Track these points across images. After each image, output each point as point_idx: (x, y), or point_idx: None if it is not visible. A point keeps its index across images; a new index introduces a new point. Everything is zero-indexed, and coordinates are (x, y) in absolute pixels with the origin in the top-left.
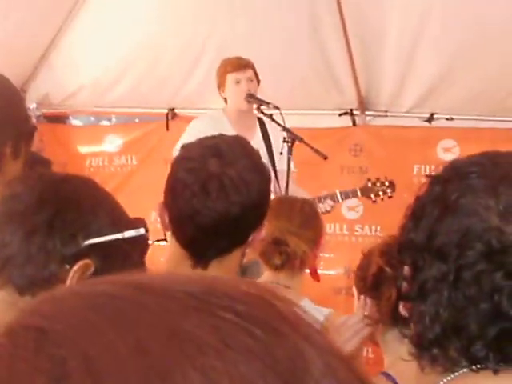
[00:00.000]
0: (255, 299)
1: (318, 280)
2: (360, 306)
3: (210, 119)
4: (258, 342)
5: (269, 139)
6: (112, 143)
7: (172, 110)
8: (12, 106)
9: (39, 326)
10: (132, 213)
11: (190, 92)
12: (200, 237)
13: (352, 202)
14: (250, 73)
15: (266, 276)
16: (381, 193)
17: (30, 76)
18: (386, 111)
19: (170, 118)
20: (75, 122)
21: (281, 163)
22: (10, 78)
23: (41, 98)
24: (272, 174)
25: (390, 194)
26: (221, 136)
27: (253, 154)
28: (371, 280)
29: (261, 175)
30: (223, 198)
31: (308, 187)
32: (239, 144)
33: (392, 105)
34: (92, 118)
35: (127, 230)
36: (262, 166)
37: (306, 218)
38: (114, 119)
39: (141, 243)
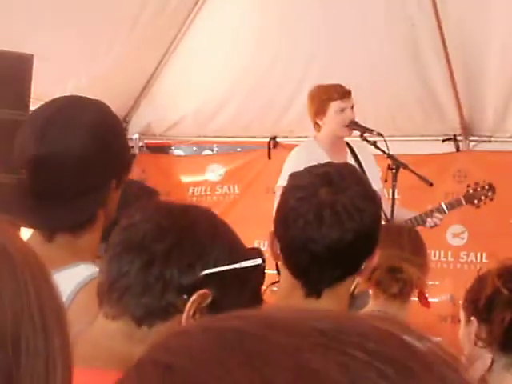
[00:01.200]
0: (386, 336)
1: (429, 306)
2: (470, 328)
3: (305, 149)
4: (389, 381)
5: (361, 164)
6: (214, 172)
7: (274, 138)
8: (118, 136)
9: (166, 361)
10: None
11: (291, 120)
12: (314, 265)
13: (456, 228)
14: (352, 101)
15: (374, 305)
16: (483, 197)
17: (133, 107)
18: (490, 136)
19: (271, 146)
20: (178, 151)
21: (374, 184)
22: (113, 109)
23: (143, 129)
24: None
25: (491, 197)
26: (329, 164)
27: (363, 181)
28: (484, 302)
29: (372, 202)
30: (337, 225)
31: None
32: (349, 171)
33: (496, 130)
34: (194, 148)
35: (244, 260)
36: (373, 193)
37: (415, 244)
38: (216, 148)
39: (257, 273)
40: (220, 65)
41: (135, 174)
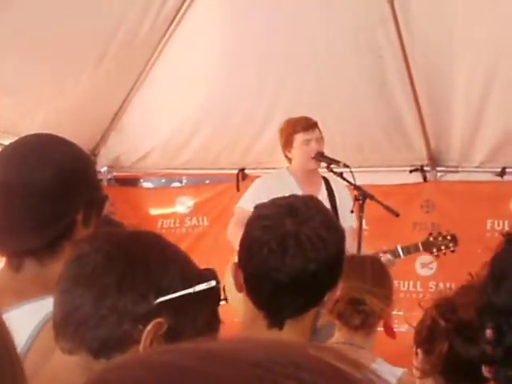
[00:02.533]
0: (322, 366)
1: (394, 337)
2: (416, 360)
3: (275, 177)
4: None
5: (334, 197)
6: (183, 204)
7: (242, 170)
8: (84, 175)
9: None
10: None
11: (259, 152)
12: (277, 295)
13: (425, 258)
14: (318, 133)
15: (339, 337)
16: (443, 247)
17: (101, 139)
18: (457, 166)
19: (240, 178)
20: (146, 184)
21: (345, 221)
22: (81, 142)
23: (112, 161)
24: None
25: (452, 249)
26: (294, 195)
27: (327, 212)
28: (425, 333)
29: (336, 232)
30: (301, 255)
31: (380, 244)
32: (313, 202)
33: (463, 160)
34: (163, 180)
35: (198, 283)
36: (337, 224)
37: (379, 276)
38: (184, 181)
39: (213, 295)
40: (188, 97)
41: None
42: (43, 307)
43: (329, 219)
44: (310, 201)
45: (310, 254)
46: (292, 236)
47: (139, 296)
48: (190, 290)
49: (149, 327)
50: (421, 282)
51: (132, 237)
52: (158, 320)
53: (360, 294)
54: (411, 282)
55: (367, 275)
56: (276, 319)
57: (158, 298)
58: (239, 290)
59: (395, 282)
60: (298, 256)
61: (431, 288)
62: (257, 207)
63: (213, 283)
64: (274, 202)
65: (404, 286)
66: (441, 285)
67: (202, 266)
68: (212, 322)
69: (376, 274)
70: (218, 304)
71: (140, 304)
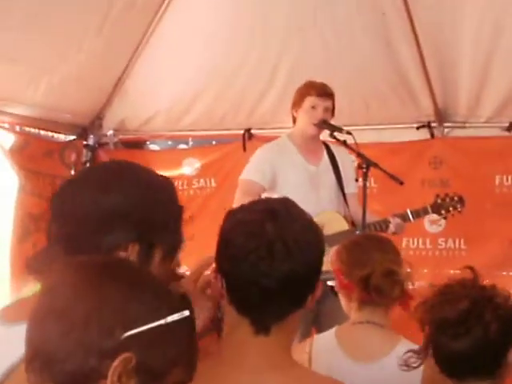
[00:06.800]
0: None
1: (409, 310)
2: None
3: (275, 146)
4: None
5: (336, 164)
6: (190, 166)
7: (248, 130)
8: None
9: None
10: (213, 235)
11: (265, 112)
12: (264, 301)
13: (434, 215)
14: (328, 103)
15: (359, 317)
16: (451, 208)
17: (106, 103)
18: (465, 122)
19: (246, 138)
20: (153, 146)
21: (348, 188)
22: (86, 107)
23: (117, 125)
24: (341, 198)
25: (459, 209)
26: (270, 199)
27: (305, 214)
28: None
29: (317, 233)
30: (288, 259)
31: (389, 203)
32: (291, 205)
33: (470, 115)
34: (169, 142)
35: (170, 314)
36: (316, 225)
37: (394, 247)
38: (191, 142)
39: (186, 325)
40: (192, 58)
41: None
42: None
43: (309, 221)
44: (288, 203)
45: (297, 257)
46: (277, 240)
47: (106, 331)
48: (161, 322)
49: (115, 363)
50: (430, 239)
51: (101, 267)
52: (125, 355)
53: (392, 266)
54: (420, 240)
55: (388, 248)
56: (262, 325)
57: (125, 332)
58: (221, 297)
59: (404, 240)
60: (286, 260)
61: (440, 245)
62: (234, 213)
63: (186, 313)
64: (253, 207)
65: (413, 244)
66: (450, 241)
67: (211, 228)
68: (189, 353)
69: (392, 246)
70: (194, 333)
71: (106, 339)
